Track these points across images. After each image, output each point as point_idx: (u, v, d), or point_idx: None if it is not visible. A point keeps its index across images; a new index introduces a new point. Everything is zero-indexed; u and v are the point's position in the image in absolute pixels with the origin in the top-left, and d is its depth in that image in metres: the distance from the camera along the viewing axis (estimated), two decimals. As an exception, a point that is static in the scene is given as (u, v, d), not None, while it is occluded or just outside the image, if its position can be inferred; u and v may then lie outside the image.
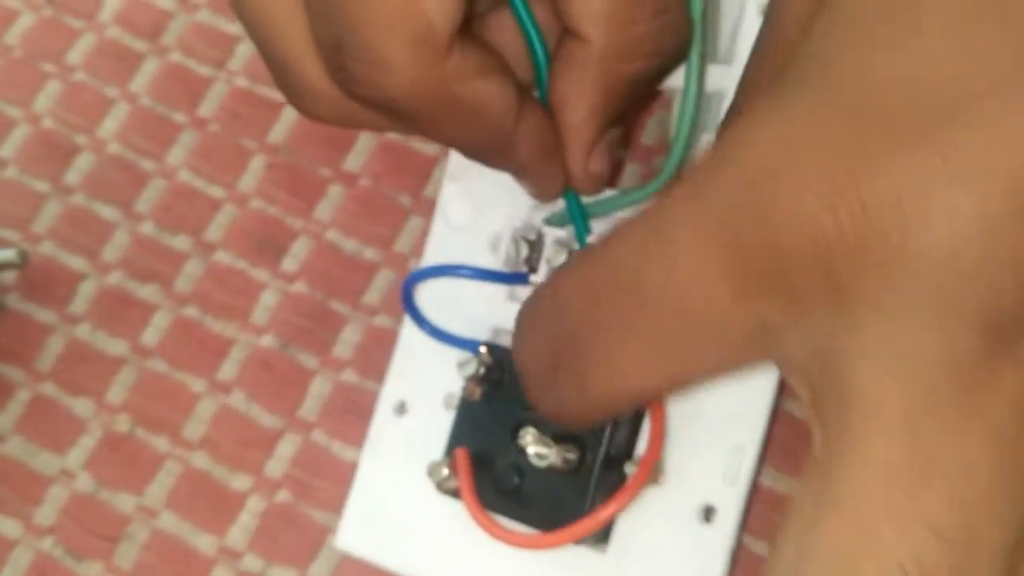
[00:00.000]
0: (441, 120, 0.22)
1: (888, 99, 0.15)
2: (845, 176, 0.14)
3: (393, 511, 0.27)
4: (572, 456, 0.24)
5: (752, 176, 0.15)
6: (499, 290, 0.27)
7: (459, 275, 0.27)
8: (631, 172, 0.34)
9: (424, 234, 0.33)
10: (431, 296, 0.28)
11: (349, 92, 0.22)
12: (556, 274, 0.19)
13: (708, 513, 0.25)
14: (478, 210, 0.28)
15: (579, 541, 0.25)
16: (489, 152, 0.24)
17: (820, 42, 0.16)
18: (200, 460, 0.32)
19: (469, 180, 0.29)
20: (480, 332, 0.27)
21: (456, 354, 0.27)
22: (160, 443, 0.32)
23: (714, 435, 0.24)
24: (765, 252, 0.15)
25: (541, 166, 0.24)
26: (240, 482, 0.31)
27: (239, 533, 0.31)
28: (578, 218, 0.25)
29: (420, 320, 0.28)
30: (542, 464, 0.24)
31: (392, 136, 0.35)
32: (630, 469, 0.24)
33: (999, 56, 0.14)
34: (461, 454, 0.26)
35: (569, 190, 0.25)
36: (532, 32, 0.24)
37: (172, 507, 0.32)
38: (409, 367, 0.29)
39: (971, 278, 0.14)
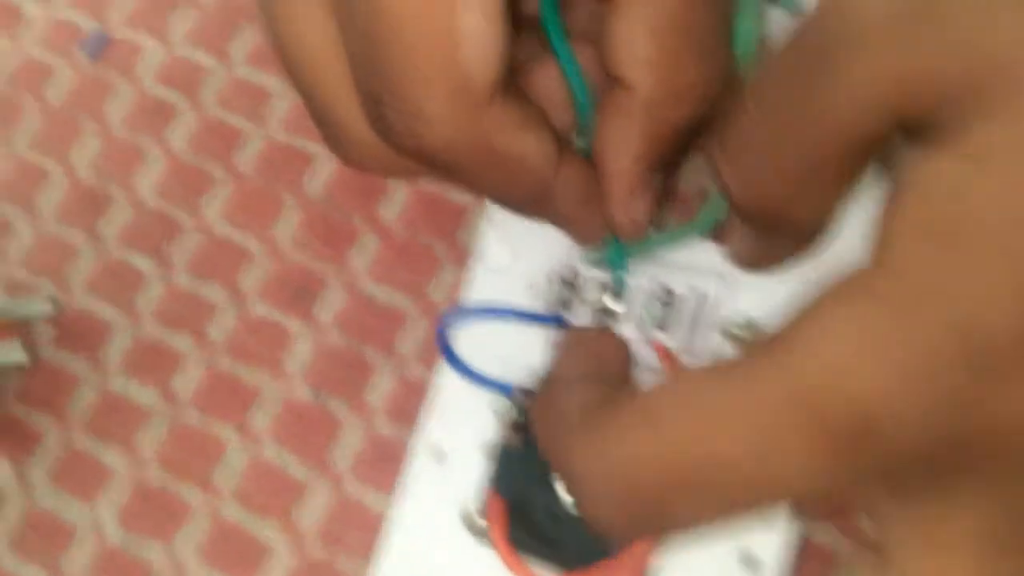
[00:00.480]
0: (480, 172, 0.22)
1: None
2: (964, 395, 0.15)
3: (428, 559, 0.27)
4: None
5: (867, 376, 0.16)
6: (537, 333, 0.27)
7: (493, 316, 0.27)
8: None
9: (458, 283, 0.33)
10: (469, 341, 0.28)
11: (388, 142, 0.22)
12: (633, 439, 0.19)
13: (750, 562, 0.24)
14: (516, 254, 0.28)
15: None
16: (528, 204, 0.24)
17: (904, 241, 0.16)
18: (231, 510, 0.31)
19: (508, 224, 0.29)
20: (518, 373, 0.27)
21: (495, 401, 0.27)
22: (190, 493, 0.32)
23: None
24: (877, 447, 0.16)
25: (581, 215, 0.24)
26: (270, 533, 0.31)
27: (269, 585, 0.30)
28: (616, 259, 0.25)
29: (454, 360, 0.27)
30: (575, 511, 0.24)
31: (425, 185, 0.35)
32: None
33: None
34: (494, 501, 0.25)
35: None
36: (575, 79, 0.24)
37: (202, 559, 0.31)
38: (446, 413, 0.28)
39: None
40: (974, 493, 0.17)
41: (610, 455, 0.19)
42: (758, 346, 0.17)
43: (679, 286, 0.24)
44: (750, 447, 0.17)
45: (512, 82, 0.23)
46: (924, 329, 0.15)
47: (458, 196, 0.34)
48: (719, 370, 0.18)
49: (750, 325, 0.25)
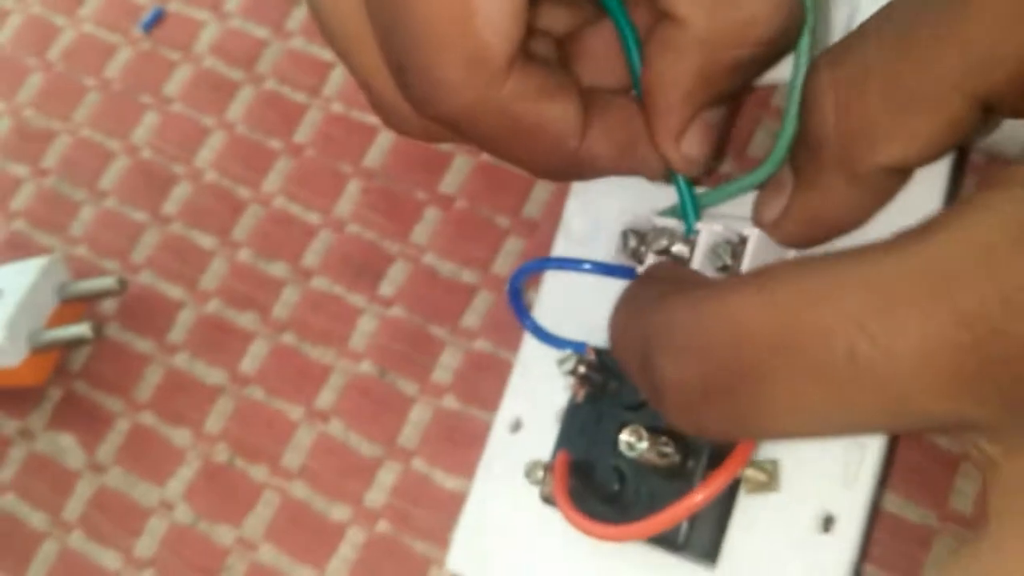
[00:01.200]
0: (503, 140, 0.22)
1: None
2: None
3: (505, 530, 0.26)
4: (668, 450, 0.23)
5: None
6: (609, 296, 0.26)
7: (566, 268, 0.27)
8: (739, 186, 0.32)
9: (522, 255, 0.32)
10: (546, 302, 0.28)
11: (414, 108, 0.21)
12: (737, 297, 0.17)
13: (828, 523, 0.23)
14: (598, 223, 0.28)
15: (686, 555, 0.23)
16: (555, 171, 0.24)
17: None
18: (299, 490, 0.31)
19: (590, 194, 0.28)
20: (593, 337, 0.26)
21: (564, 357, 0.26)
22: (259, 473, 0.32)
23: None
24: (1010, 360, 0.14)
25: (625, 162, 0.24)
26: (339, 513, 0.31)
27: (339, 565, 0.30)
28: (689, 208, 0.24)
29: (524, 317, 0.27)
30: (632, 454, 0.23)
31: (488, 157, 0.34)
32: None
33: None
34: (560, 456, 0.25)
35: (678, 179, 0.24)
36: (627, 32, 0.23)
37: (271, 539, 0.31)
38: (526, 385, 0.28)
39: None
40: None
41: (707, 315, 0.17)
42: (899, 232, 0.16)
43: (751, 232, 0.24)
44: (865, 319, 0.15)
45: (530, 48, 0.22)
46: None
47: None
48: (843, 250, 0.16)
49: None
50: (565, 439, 0.26)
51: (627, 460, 0.23)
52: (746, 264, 0.23)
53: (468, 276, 0.32)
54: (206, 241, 0.35)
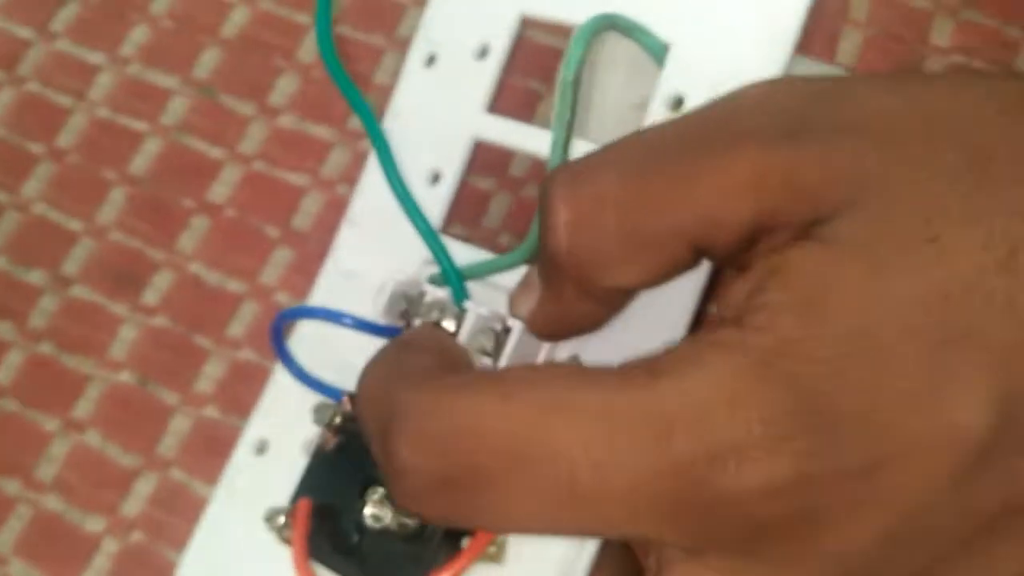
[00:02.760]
0: None
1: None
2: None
3: (238, 552, 0.26)
4: (410, 523, 0.24)
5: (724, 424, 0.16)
6: (377, 341, 0.27)
7: (332, 320, 0.27)
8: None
9: (291, 267, 0.33)
10: (308, 338, 0.28)
11: None
12: (480, 400, 0.18)
13: None
14: (372, 259, 0.28)
15: None
16: None
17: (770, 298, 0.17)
18: (52, 503, 0.31)
19: (368, 227, 0.28)
20: (351, 382, 0.27)
21: (318, 401, 0.26)
22: (10, 487, 0.31)
23: None
24: (705, 506, 0.16)
25: None
26: (94, 524, 0.30)
27: (92, 578, 0.29)
28: (454, 280, 0.25)
29: (287, 360, 0.27)
30: (376, 526, 0.24)
31: (258, 166, 0.34)
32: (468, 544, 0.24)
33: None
34: (302, 505, 0.25)
35: (442, 252, 0.25)
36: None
37: (21, 554, 0.30)
38: (277, 406, 0.28)
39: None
40: (780, 566, 0.17)
41: (450, 411, 0.18)
42: (628, 364, 0.18)
43: (514, 324, 0.24)
44: (591, 448, 0.17)
45: None
46: (781, 389, 0.16)
47: (292, 177, 0.34)
48: (583, 370, 0.18)
49: (575, 362, 0.25)
50: (308, 484, 0.26)
51: (366, 518, 0.24)
52: (506, 356, 0.24)
53: (235, 286, 0.33)
54: (-42, 247, 0.34)
